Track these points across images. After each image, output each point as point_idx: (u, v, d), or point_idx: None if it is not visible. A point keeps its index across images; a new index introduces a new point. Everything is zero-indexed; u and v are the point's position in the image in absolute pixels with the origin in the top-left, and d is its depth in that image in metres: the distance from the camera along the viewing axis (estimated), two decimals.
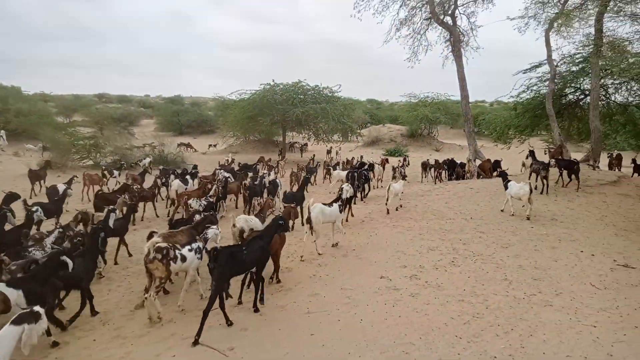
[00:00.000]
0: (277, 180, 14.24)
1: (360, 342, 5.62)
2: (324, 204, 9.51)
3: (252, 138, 35.90)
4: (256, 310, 6.55)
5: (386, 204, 12.36)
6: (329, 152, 29.69)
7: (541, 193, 13.34)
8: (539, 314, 6.30)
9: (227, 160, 22.81)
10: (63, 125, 31.09)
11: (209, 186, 12.67)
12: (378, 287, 7.49)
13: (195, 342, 5.59)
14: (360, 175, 14.82)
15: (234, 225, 8.29)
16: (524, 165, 15.84)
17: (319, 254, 9.13)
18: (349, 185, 11.36)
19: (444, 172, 19.75)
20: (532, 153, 15.60)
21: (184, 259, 6.59)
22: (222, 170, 16.02)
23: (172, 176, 14.83)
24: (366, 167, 17.60)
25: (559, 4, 17.11)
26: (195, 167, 17.42)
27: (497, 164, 18.60)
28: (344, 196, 10.49)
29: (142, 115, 56.65)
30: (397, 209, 12.67)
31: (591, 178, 14.23)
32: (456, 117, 42.06)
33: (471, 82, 22.32)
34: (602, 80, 18.20)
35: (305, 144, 35.23)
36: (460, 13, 20.99)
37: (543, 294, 7.04)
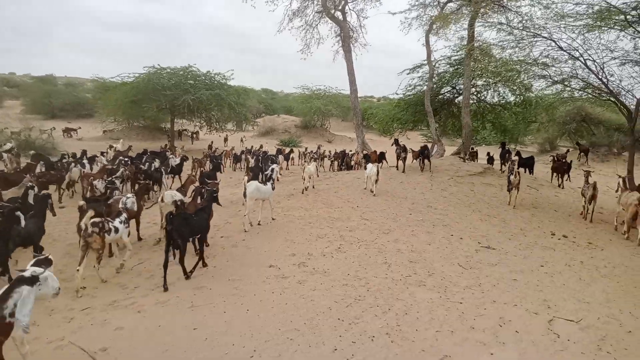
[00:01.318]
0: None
1: (245, 333, 5.54)
2: (260, 182, 10.52)
3: (136, 124, 33.48)
4: (187, 277, 7.28)
5: (303, 184, 13.65)
6: (225, 140, 29.16)
7: (403, 172, 15.69)
8: (413, 294, 6.79)
9: (113, 147, 21.11)
10: None
11: (108, 167, 13.89)
12: (267, 276, 7.46)
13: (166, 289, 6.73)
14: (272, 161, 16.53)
15: (162, 200, 9.24)
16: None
17: (245, 231, 9.78)
18: (279, 165, 14.30)
19: (335, 162, 20.43)
20: (396, 141, 17.20)
21: (116, 230, 7.36)
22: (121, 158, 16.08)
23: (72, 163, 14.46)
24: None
25: (438, 7, 18.53)
26: (85, 152, 16.88)
27: (382, 155, 19.67)
28: (274, 176, 11.88)
29: (6, 95, 49.39)
30: (304, 190, 13.51)
31: (462, 169, 15.75)
32: (347, 110, 43.64)
33: (361, 77, 23.33)
34: (473, 81, 20.22)
35: (197, 132, 33.89)
36: (350, 9, 21.72)
37: (418, 274, 7.60)
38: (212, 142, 28.13)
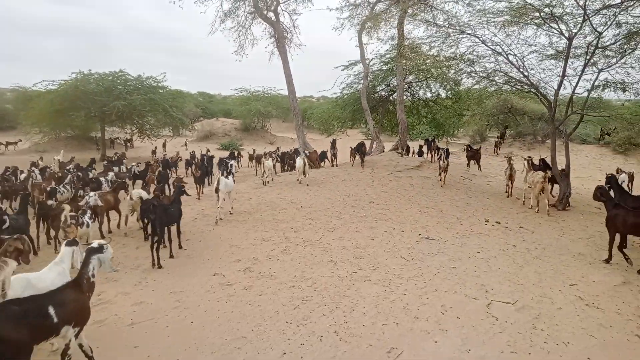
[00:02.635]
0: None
1: (190, 346, 5.35)
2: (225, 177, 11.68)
3: (63, 134, 31.50)
4: (172, 256, 8.54)
5: (262, 178, 15.59)
6: (164, 146, 28.50)
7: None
8: (359, 290, 6.89)
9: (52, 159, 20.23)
10: None
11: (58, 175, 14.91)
12: (211, 285, 7.27)
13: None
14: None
15: (130, 198, 10.51)
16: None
17: (220, 219, 10.99)
18: (233, 162, 17.32)
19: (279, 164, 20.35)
20: (333, 142, 18.73)
21: (88, 225, 8.50)
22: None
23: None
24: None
25: (368, 7, 18.95)
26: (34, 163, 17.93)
27: (323, 154, 19.86)
28: (233, 171, 15.05)
29: None
30: (265, 183, 15.10)
31: (400, 164, 16.26)
32: (287, 111, 43.54)
33: (299, 77, 23.35)
34: (406, 78, 20.89)
35: (130, 140, 32.47)
36: (282, 10, 21.65)
37: (363, 270, 7.73)
38: (155, 147, 28.07)
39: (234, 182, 12.52)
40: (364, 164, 16.49)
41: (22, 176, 15.04)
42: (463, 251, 8.82)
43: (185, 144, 29.99)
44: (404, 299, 6.58)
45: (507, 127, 27.30)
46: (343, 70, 21.98)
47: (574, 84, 12.17)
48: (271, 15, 21.13)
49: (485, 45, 13.04)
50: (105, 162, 19.89)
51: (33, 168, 16.49)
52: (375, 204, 12.17)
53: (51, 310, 4.24)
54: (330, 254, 8.57)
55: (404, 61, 17.56)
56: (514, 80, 13.68)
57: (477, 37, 13.07)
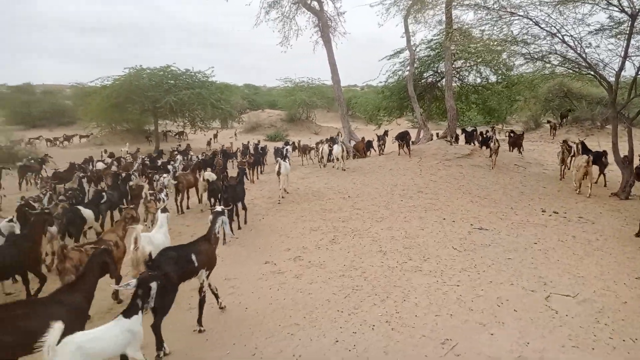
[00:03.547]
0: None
1: (245, 331, 5.52)
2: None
3: (119, 128, 33.06)
4: (239, 227, 9.89)
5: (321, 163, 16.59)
6: (215, 136, 30.67)
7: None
8: (410, 280, 6.82)
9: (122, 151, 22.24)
10: None
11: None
12: (263, 272, 7.44)
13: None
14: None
15: (203, 179, 11.68)
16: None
17: (282, 197, 12.14)
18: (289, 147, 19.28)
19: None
20: (385, 133, 18.87)
21: (163, 200, 10.52)
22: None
23: None
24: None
25: None
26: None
27: (369, 144, 19.70)
28: (288, 155, 16.73)
29: None
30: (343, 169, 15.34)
31: (449, 152, 15.81)
32: (332, 101, 43.39)
33: (343, 67, 23.19)
34: (455, 63, 20.27)
35: (182, 132, 33.66)
36: None
37: (413, 260, 7.63)
38: (210, 139, 29.51)
39: (290, 165, 13.61)
40: (410, 153, 16.23)
41: (99, 165, 17.11)
42: (518, 242, 8.50)
43: (235, 136, 30.78)
44: (457, 290, 6.44)
45: (571, 110, 25.68)
46: (389, 59, 21.59)
47: (638, 65, 11.33)
48: (315, 4, 21.02)
49: (539, 26, 12.38)
50: (175, 151, 21.28)
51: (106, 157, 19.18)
52: (423, 194, 11.94)
53: (193, 257, 5.58)
54: (379, 243, 8.52)
55: (453, 46, 17.10)
56: (570, 62, 12.94)
57: (530, 19, 12.43)
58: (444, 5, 17.37)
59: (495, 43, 15.44)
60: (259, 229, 9.88)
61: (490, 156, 15.03)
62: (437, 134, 20.91)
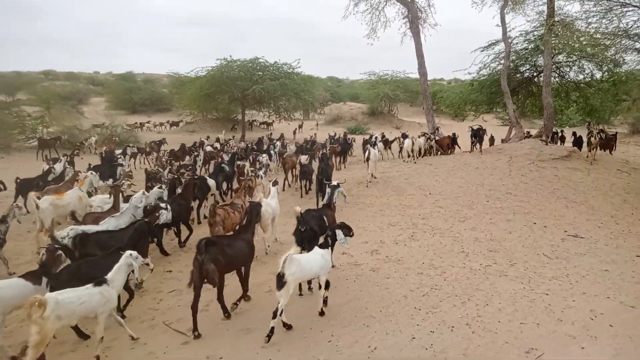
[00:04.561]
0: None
1: (322, 318, 5.62)
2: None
3: (209, 117, 35.03)
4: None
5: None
6: (300, 126, 32.10)
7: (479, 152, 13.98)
8: (494, 284, 6.50)
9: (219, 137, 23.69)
10: (5, 104, 29.07)
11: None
12: (340, 263, 7.50)
13: None
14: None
15: (299, 162, 13.66)
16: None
17: (370, 182, 12.97)
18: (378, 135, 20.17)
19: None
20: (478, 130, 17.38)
21: (261, 177, 11.62)
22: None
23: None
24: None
25: None
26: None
27: (454, 140, 18.97)
28: (377, 142, 17.28)
29: (92, 93, 53.36)
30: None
31: (544, 153, 14.71)
32: (415, 95, 42.44)
33: (429, 59, 22.49)
34: (555, 58, 18.80)
35: (266, 122, 34.94)
36: None
37: (498, 264, 7.26)
38: (296, 129, 31.09)
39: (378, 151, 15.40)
40: (480, 149, 16.39)
41: (207, 148, 18.89)
42: (618, 253, 7.76)
43: (317, 127, 31.42)
44: (545, 299, 6.03)
45: None
46: (482, 51, 20.51)
47: None
48: None
49: None
50: (272, 139, 22.83)
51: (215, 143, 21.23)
52: (512, 195, 11.26)
53: (325, 218, 7.26)
54: (462, 244, 8.21)
55: (554, 39, 15.85)
56: None
57: None
58: None
59: (603, 37, 14.14)
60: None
61: (590, 150, 14.85)
62: (529, 133, 19.65)
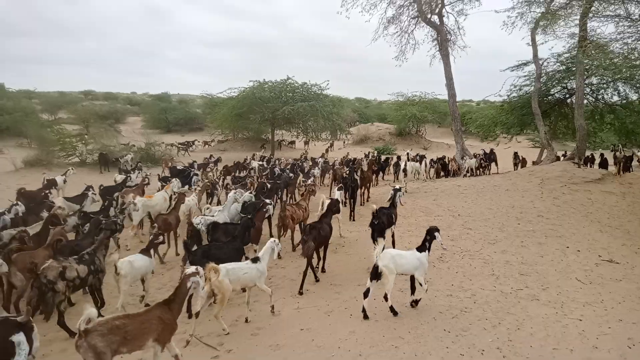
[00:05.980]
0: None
1: (349, 337, 5.64)
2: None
3: (240, 136, 35.76)
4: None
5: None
6: (331, 145, 33.01)
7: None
8: (526, 308, 6.39)
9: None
10: (48, 122, 30.55)
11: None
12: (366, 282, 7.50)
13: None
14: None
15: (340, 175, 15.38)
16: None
17: (406, 191, 14.08)
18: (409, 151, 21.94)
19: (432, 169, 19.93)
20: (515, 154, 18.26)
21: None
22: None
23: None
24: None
25: (544, 3, 17.26)
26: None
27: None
28: (409, 158, 19.02)
29: (129, 112, 55.40)
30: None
31: (576, 175, 14.40)
32: (443, 116, 42.21)
33: (458, 81, 22.37)
34: (588, 80, 18.50)
35: (293, 142, 35.40)
36: (447, 12, 21.02)
37: (530, 288, 7.13)
38: (326, 149, 31.23)
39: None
40: (489, 171, 17.41)
41: (253, 163, 20.50)
42: None
43: (344, 146, 31.69)
44: (579, 325, 5.89)
45: None
46: (512, 71, 20.39)
47: None
48: (435, 18, 20.76)
49: None
50: (311, 158, 23.61)
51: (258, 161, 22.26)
52: (544, 218, 11.04)
53: (392, 215, 8.80)
54: (492, 267, 8.11)
55: (587, 61, 15.63)
56: None
57: None
58: (578, 17, 16.00)
59: (637, 58, 13.90)
60: (363, 238, 9.98)
61: (616, 164, 16.08)
62: (563, 155, 19.29)
